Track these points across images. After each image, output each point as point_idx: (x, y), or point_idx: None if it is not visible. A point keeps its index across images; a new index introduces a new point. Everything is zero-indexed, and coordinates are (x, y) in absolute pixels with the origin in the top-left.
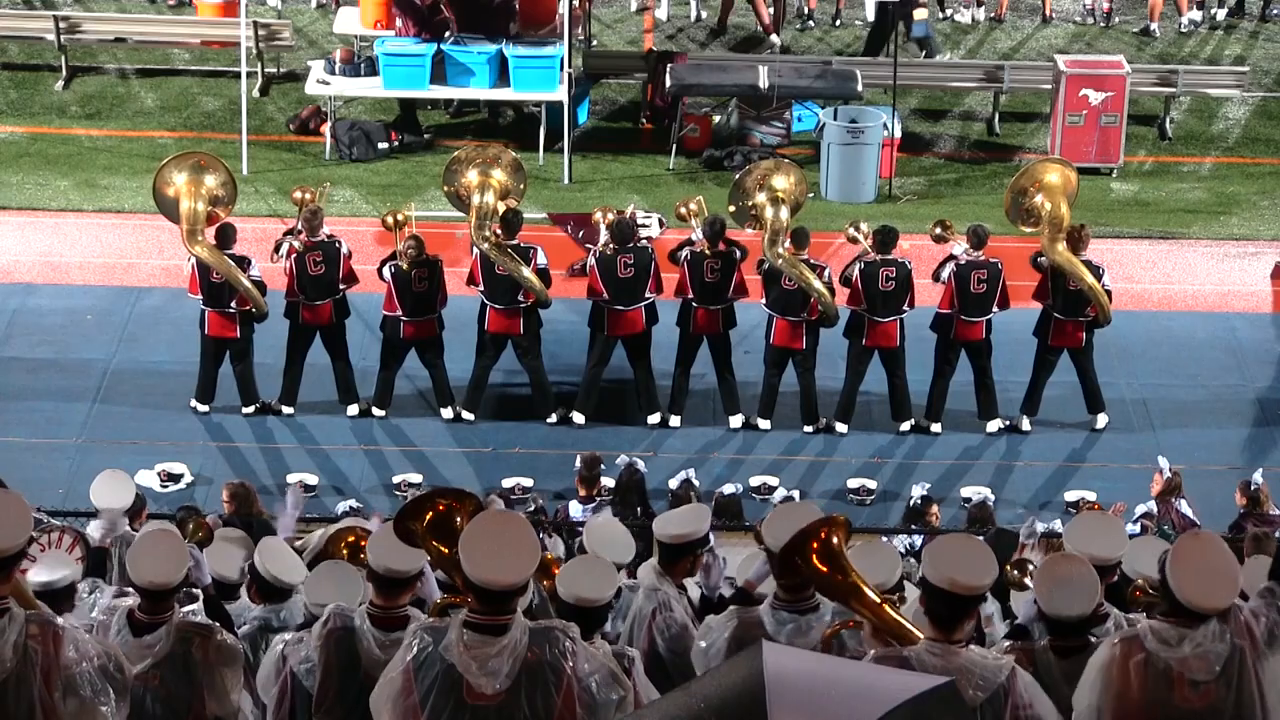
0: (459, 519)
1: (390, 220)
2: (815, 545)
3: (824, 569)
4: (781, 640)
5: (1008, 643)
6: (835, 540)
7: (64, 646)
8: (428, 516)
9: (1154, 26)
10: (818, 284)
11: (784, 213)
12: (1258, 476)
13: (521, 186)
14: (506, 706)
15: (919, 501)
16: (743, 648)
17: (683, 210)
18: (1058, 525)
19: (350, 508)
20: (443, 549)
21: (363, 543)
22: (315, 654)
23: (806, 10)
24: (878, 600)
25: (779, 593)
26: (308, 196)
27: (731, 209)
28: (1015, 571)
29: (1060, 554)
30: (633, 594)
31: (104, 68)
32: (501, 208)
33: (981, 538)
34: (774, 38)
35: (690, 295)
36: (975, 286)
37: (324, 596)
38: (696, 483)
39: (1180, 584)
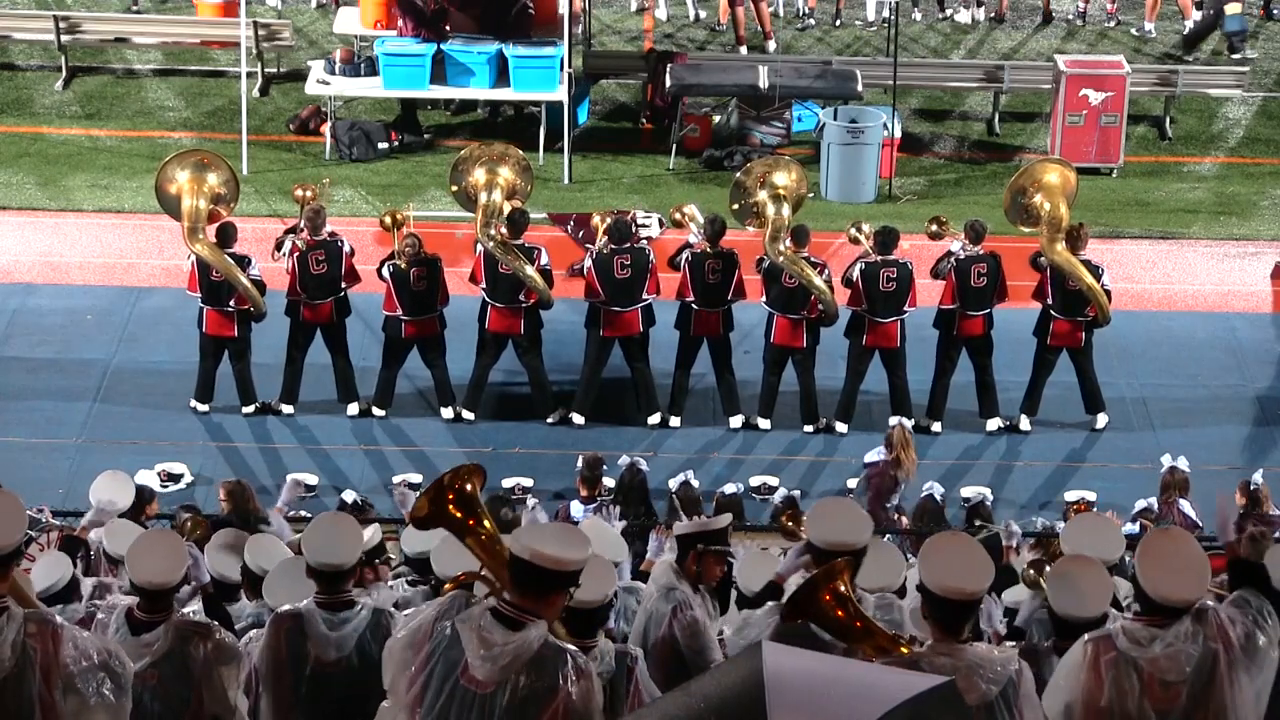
0: (469, 487)
1: (388, 220)
2: (827, 597)
3: (840, 615)
4: (826, 636)
5: (1009, 644)
6: (844, 587)
7: (63, 645)
8: (449, 495)
9: (1149, 26)
10: (818, 281)
11: (785, 210)
12: (1258, 477)
13: (528, 187)
14: (491, 699)
15: (939, 499)
16: (787, 643)
17: (676, 216)
18: (1058, 525)
19: (357, 500)
20: (459, 514)
21: None
22: (263, 655)
23: (806, 10)
24: (889, 635)
25: None
26: (309, 194)
27: (734, 208)
28: (1032, 571)
29: (1074, 556)
30: (630, 595)
31: (104, 68)
32: (507, 207)
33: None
34: (770, 43)
35: (691, 297)
36: (975, 280)
37: (280, 596)
38: (696, 483)
39: (1149, 578)
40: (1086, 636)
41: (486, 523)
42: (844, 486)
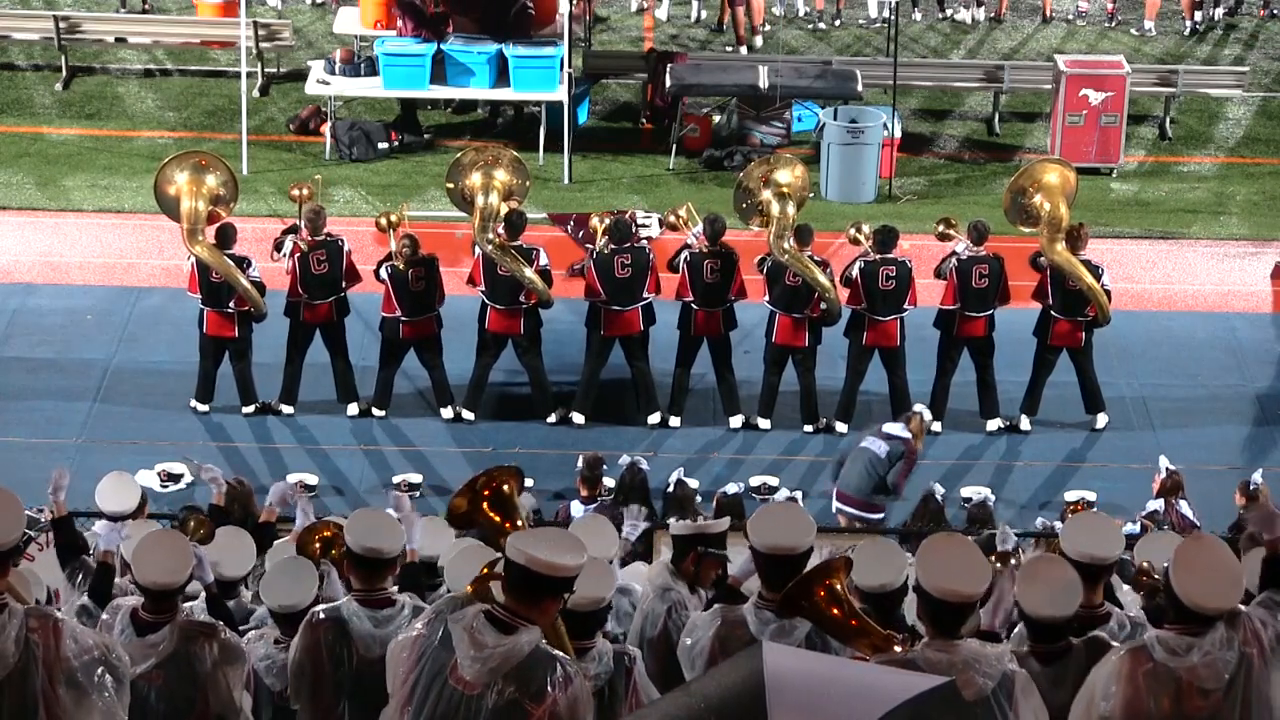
0: (505, 488)
1: (384, 221)
2: (821, 593)
3: (835, 613)
4: (765, 636)
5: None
6: (839, 586)
7: (64, 639)
8: (485, 493)
9: (1149, 25)
10: (822, 279)
11: (790, 208)
12: (1257, 476)
13: (526, 184)
14: (477, 701)
15: (939, 499)
16: (726, 647)
17: (672, 218)
18: (1058, 525)
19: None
20: (496, 517)
21: (337, 538)
22: (300, 657)
23: (815, 12)
24: (883, 634)
25: (763, 592)
26: (305, 193)
27: (742, 207)
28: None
29: (1042, 555)
30: (624, 597)
31: (104, 68)
32: (504, 209)
33: (972, 538)
34: (757, 39)
35: (690, 298)
36: (977, 282)
37: (278, 596)
38: (694, 482)
39: (1184, 587)
40: (1121, 649)
41: (521, 525)
42: (865, 448)
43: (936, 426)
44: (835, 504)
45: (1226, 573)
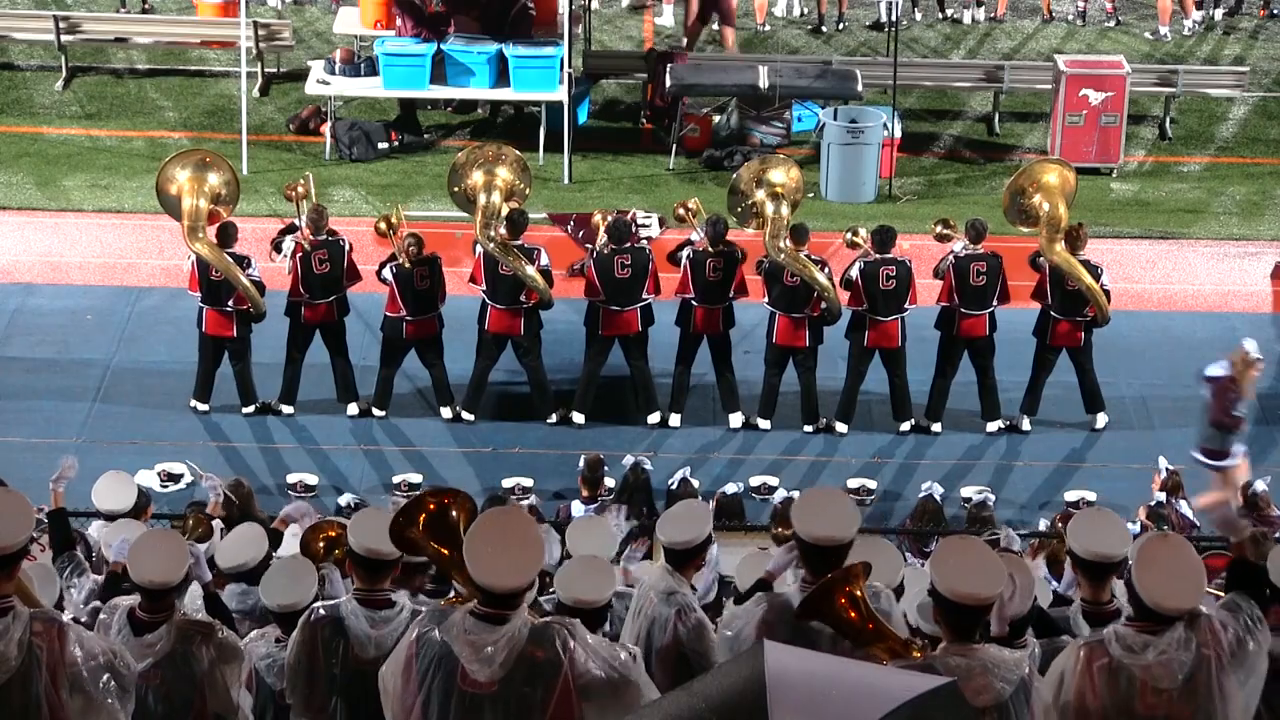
0: (454, 514)
1: (383, 225)
2: (842, 599)
3: (853, 616)
4: (816, 628)
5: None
6: (859, 591)
7: (69, 644)
8: (422, 519)
9: (1165, 30)
10: (820, 277)
11: (784, 208)
12: (1260, 485)
13: (526, 186)
14: (499, 697)
15: (938, 499)
16: (773, 631)
17: (681, 211)
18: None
19: (353, 503)
20: (443, 550)
21: (341, 538)
22: (297, 653)
23: (819, 15)
24: (902, 639)
25: (807, 578)
26: (301, 191)
27: (737, 211)
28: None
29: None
30: (619, 601)
31: (104, 68)
32: (506, 208)
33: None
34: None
35: (691, 295)
36: (974, 279)
37: (277, 596)
38: (695, 482)
39: (1146, 585)
40: (1080, 640)
41: (448, 548)
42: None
43: (936, 427)
44: (1193, 453)
45: (1189, 573)
